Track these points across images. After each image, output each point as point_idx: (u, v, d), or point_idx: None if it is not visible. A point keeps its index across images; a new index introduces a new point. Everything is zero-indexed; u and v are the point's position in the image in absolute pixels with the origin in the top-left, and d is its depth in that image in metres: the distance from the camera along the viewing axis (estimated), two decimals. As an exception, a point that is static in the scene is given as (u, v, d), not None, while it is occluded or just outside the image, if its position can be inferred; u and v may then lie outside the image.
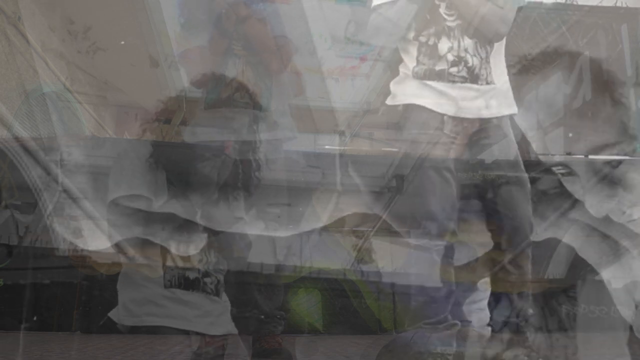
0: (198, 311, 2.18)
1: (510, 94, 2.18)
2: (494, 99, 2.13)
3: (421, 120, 2.13)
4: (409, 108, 2.17)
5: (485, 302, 2.12)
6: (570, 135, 2.66)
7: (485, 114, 2.11)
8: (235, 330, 2.18)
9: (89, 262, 2.29)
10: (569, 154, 2.61)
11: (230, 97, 2.23)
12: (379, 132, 3.26)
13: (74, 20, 3.03)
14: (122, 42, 2.97)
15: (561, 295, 2.33)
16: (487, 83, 2.12)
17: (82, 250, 2.20)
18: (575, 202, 2.18)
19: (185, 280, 2.19)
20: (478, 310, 2.14)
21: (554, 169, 2.30)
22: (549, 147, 2.61)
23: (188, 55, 2.40)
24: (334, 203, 2.28)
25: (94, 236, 2.15)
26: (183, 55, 2.50)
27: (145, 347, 2.62)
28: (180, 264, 2.17)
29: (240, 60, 2.25)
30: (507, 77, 2.19)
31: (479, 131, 2.11)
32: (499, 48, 2.17)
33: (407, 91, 2.18)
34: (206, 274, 2.20)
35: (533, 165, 2.27)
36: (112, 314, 2.25)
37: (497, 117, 2.12)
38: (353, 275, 2.85)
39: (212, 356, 2.07)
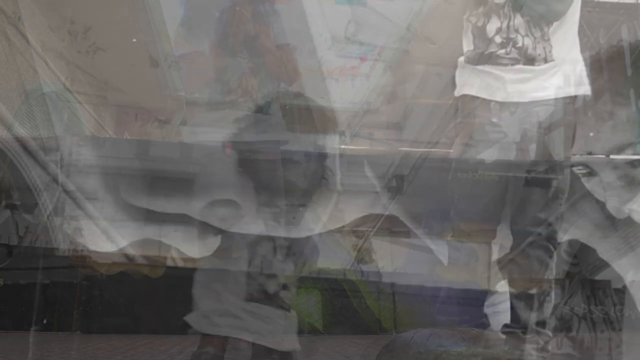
0: (271, 326, 2.16)
1: (582, 72, 1.98)
2: (556, 77, 1.94)
3: (467, 110, 2.01)
4: (462, 99, 2.05)
5: (504, 305, 2.02)
6: (591, 134, 2.56)
7: (541, 95, 1.94)
8: (299, 348, 2.16)
9: (89, 262, 2.29)
10: (589, 153, 2.52)
11: (234, 102, 2.24)
12: (379, 132, 3.27)
13: (74, 20, 3.03)
14: (135, 40, 2.95)
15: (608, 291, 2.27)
16: (547, 61, 1.94)
17: (82, 250, 2.20)
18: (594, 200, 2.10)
19: (265, 295, 2.18)
20: (497, 313, 2.09)
21: (573, 168, 2.24)
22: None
23: (188, 58, 2.40)
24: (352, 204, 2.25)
25: (108, 238, 2.13)
26: (182, 58, 2.49)
27: (145, 347, 2.62)
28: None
29: (245, 67, 2.25)
30: (578, 55, 1.99)
31: (532, 114, 1.93)
32: (565, 24, 1.97)
33: (460, 81, 2.08)
34: (285, 286, 2.18)
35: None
36: (190, 320, 2.21)
37: (557, 99, 1.94)
38: (353, 275, 2.85)
39: (212, 356, 2.07)
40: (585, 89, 1.97)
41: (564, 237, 2.09)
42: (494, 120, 1.94)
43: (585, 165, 2.19)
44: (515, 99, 1.93)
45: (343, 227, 2.31)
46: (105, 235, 2.14)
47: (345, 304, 3.15)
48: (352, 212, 2.29)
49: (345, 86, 3.34)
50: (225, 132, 2.23)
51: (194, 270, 2.21)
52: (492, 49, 1.96)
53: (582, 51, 2.02)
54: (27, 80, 2.72)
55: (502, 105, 1.94)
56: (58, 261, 2.42)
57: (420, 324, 2.08)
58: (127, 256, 2.17)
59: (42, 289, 2.80)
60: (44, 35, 2.98)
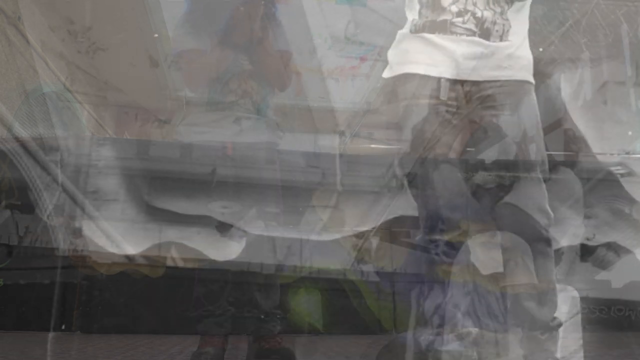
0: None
1: (531, 63, 1.81)
2: (512, 59, 1.76)
3: (412, 90, 1.80)
4: (401, 79, 1.84)
5: None
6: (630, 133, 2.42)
7: (497, 75, 1.75)
8: None
9: (89, 262, 2.29)
10: (628, 153, 2.38)
11: (235, 102, 2.24)
12: (379, 132, 3.26)
13: (74, 20, 3.03)
14: (156, 35, 2.91)
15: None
16: (502, 40, 1.75)
17: (82, 250, 2.20)
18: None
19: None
20: None
21: (612, 168, 2.14)
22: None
23: (187, 57, 2.40)
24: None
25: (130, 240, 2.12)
26: (181, 57, 2.48)
27: (145, 347, 2.62)
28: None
29: (245, 70, 2.26)
30: (527, 44, 1.82)
31: (488, 97, 1.75)
32: (523, 7, 1.81)
33: (400, 58, 1.85)
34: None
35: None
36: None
37: (515, 80, 1.76)
38: (353, 275, 2.85)
39: (212, 356, 2.07)
40: (532, 80, 1.81)
41: (603, 239, 2.03)
42: (442, 99, 1.74)
43: (623, 165, 2.11)
44: (465, 77, 1.75)
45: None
46: (124, 238, 2.14)
47: (345, 304, 3.14)
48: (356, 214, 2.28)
49: (345, 86, 3.34)
50: (226, 133, 2.23)
51: (193, 270, 2.22)
52: (446, 16, 1.76)
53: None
54: (27, 80, 2.72)
55: (453, 83, 1.75)
56: (58, 261, 2.43)
57: (420, 324, 2.08)
58: (127, 256, 2.17)
59: (40, 289, 2.80)
60: (44, 35, 2.98)
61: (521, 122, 1.78)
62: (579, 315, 1.86)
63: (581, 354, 1.80)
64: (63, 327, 2.76)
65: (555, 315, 1.80)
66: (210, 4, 2.35)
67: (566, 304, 1.88)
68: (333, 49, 3.11)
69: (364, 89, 3.32)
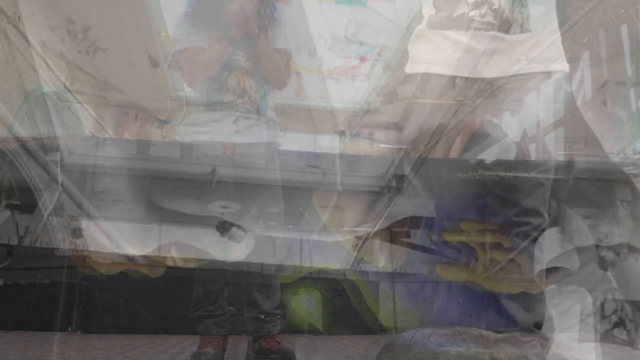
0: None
1: (560, 47, 1.72)
2: (535, 49, 1.70)
3: (420, 89, 1.78)
4: (415, 78, 1.82)
5: (564, 304, 1.87)
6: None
7: (517, 68, 1.70)
8: None
9: (89, 262, 2.29)
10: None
11: (233, 102, 2.24)
12: (379, 132, 3.26)
13: (74, 20, 3.03)
14: (163, 34, 2.90)
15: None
16: (523, 30, 1.69)
17: (82, 250, 2.20)
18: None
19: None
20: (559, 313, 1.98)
21: (625, 168, 2.13)
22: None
23: (186, 54, 2.39)
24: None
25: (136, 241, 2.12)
26: (180, 54, 2.48)
27: (145, 347, 2.62)
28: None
29: (243, 67, 2.26)
30: (556, 25, 1.73)
31: (502, 94, 1.71)
32: None
33: (419, 55, 1.80)
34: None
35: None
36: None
37: (538, 73, 1.71)
38: (353, 275, 2.85)
39: (212, 356, 2.07)
40: (563, 66, 1.74)
41: (614, 240, 2.03)
42: (459, 99, 1.70)
43: (636, 165, 2.10)
44: (486, 74, 1.70)
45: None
46: (126, 238, 2.13)
47: (345, 304, 3.14)
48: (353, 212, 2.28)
49: (345, 86, 3.34)
50: (226, 133, 2.23)
51: (193, 270, 2.21)
52: (463, 9, 1.69)
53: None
54: (27, 80, 2.71)
55: (467, 81, 1.71)
56: (59, 261, 2.43)
57: (420, 324, 2.08)
58: (127, 256, 2.17)
59: (40, 289, 2.80)
60: (44, 35, 2.97)
61: (524, 119, 1.76)
62: (592, 317, 1.85)
63: (593, 356, 1.79)
64: (69, 328, 2.76)
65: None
66: (210, 1, 2.35)
67: (579, 305, 1.88)
68: (333, 49, 3.11)
69: (364, 89, 3.32)
